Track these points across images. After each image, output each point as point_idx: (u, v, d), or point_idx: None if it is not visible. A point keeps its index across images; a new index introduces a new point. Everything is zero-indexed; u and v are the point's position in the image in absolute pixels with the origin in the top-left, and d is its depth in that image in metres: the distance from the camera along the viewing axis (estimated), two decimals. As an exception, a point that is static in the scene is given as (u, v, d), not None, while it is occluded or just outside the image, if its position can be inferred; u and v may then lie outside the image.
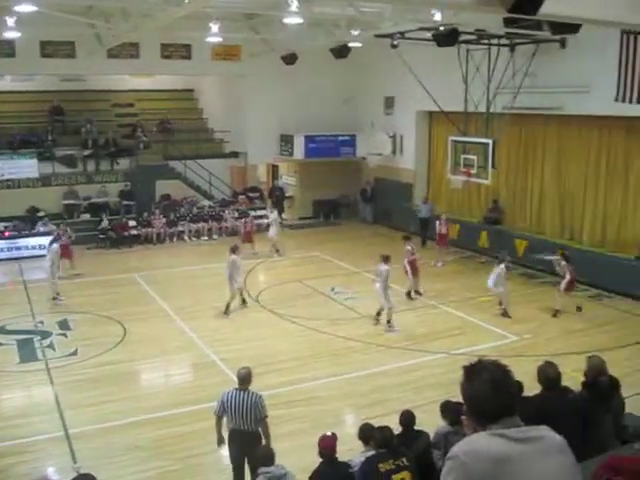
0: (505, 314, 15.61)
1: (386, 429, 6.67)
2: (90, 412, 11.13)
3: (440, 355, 13.34)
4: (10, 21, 17.20)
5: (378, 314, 15.16)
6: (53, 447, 10.06)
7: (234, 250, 16.21)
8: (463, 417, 2.87)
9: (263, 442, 8.07)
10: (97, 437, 10.29)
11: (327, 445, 6.72)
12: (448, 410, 7.16)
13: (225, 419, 8.25)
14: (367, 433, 6.96)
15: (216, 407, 8.27)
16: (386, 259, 14.91)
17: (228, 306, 16.02)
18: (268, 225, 22.66)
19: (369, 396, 11.60)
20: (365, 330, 14.91)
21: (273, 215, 22.50)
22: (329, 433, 6.88)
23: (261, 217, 25.29)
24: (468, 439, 2.74)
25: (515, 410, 2.76)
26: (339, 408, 11.47)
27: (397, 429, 7.14)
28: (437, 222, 20.79)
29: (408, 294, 17.20)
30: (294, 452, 8.63)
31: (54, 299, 17.08)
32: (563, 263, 15.93)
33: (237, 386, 8.28)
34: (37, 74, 26.08)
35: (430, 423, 7.53)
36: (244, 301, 16.73)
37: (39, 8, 15.20)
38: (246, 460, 8.13)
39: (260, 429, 8.16)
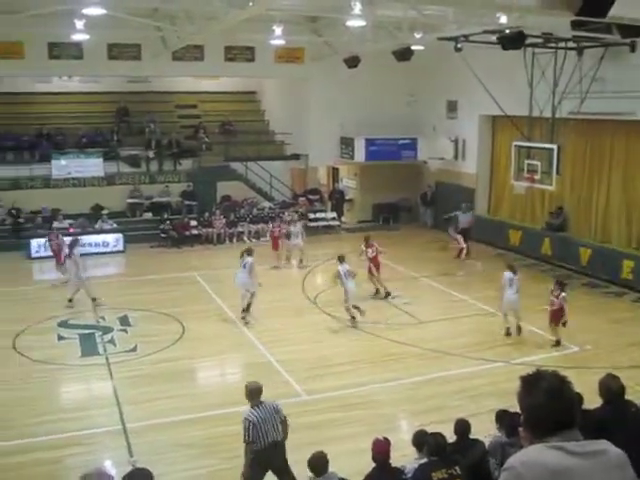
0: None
1: (439, 436, 6.55)
2: (147, 407, 11.30)
3: (498, 364, 13.09)
4: (79, 24, 17.67)
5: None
6: (110, 440, 10.24)
7: (250, 252, 16.23)
8: (520, 428, 2.78)
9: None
10: (153, 432, 10.43)
11: (380, 450, 6.64)
12: (504, 420, 7.01)
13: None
14: (421, 439, 6.86)
15: (248, 433, 7.82)
16: (341, 259, 15.70)
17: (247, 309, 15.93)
18: (288, 234, 21.46)
19: (425, 402, 11.47)
20: (422, 335, 14.75)
21: (298, 227, 21.62)
22: (382, 438, 6.80)
23: (318, 220, 25.34)
24: (525, 450, 2.65)
25: (575, 423, 2.67)
26: (394, 413, 11.37)
27: (452, 437, 7.02)
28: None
29: (382, 293, 17.56)
30: (348, 455, 8.58)
31: (94, 300, 16.80)
32: (563, 294, 13.84)
33: (251, 404, 8.02)
34: (104, 76, 26.69)
35: (486, 432, 7.39)
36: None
37: (107, 11, 15.57)
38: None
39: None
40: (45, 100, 27.52)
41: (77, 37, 20.20)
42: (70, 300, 16.72)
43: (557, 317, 13.86)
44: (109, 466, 9.17)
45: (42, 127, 25.72)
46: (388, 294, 17.48)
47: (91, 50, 22.53)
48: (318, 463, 6.73)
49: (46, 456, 9.57)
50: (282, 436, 8.02)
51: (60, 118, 26.98)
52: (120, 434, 10.34)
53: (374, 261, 17.50)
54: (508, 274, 14.45)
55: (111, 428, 10.53)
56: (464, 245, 21.71)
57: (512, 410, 6.58)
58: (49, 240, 20.32)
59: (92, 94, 28.24)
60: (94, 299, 16.84)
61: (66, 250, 17.79)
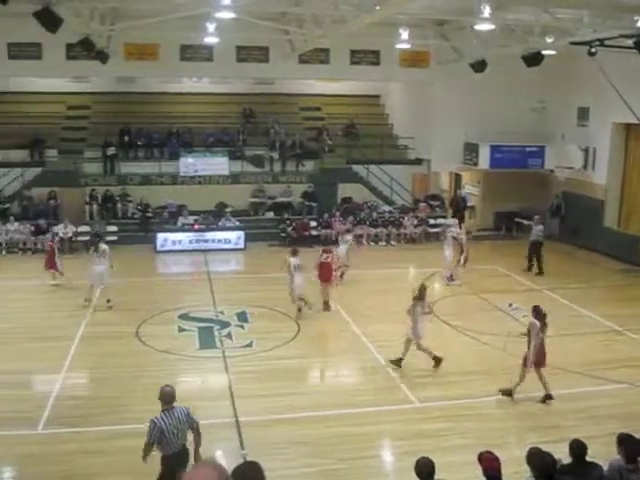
0: None
1: (547, 456, 6.27)
2: (260, 403, 11.50)
3: (622, 385, 12.42)
4: (210, 27, 18.27)
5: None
6: (223, 432, 10.48)
7: (294, 253, 16.54)
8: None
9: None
10: (264, 428, 10.60)
11: (491, 465, 6.44)
12: (626, 445, 6.64)
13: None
14: (534, 458, 6.60)
15: (151, 434, 7.69)
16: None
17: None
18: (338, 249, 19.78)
19: (539, 420, 11.05)
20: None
21: (347, 239, 19.98)
22: (489, 452, 6.59)
23: (437, 226, 25.07)
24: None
25: None
26: (506, 428, 11.01)
27: (567, 458, 6.72)
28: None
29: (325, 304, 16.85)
30: (457, 467, 8.41)
31: (108, 301, 16.70)
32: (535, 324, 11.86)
33: (162, 408, 7.83)
34: (232, 78, 27.47)
35: (604, 456, 7.02)
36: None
37: (237, 15, 16.01)
38: None
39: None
40: (175, 100, 28.67)
41: (208, 40, 20.90)
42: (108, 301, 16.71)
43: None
44: (221, 456, 9.39)
45: (172, 126, 26.78)
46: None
47: (221, 52, 23.29)
48: (424, 469, 6.62)
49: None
50: (186, 442, 7.85)
51: (189, 118, 28.03)
52: (232, 427, 10.57)
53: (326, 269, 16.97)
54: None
55: (224, 420, 10.78)
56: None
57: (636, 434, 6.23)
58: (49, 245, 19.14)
59: (220, 95, 29.19)
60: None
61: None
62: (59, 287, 18.25)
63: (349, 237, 20.15)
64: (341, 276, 19.19)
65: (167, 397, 7.90)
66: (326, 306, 16.86)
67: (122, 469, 9.12)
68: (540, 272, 20.76)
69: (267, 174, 26.50)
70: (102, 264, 16.76)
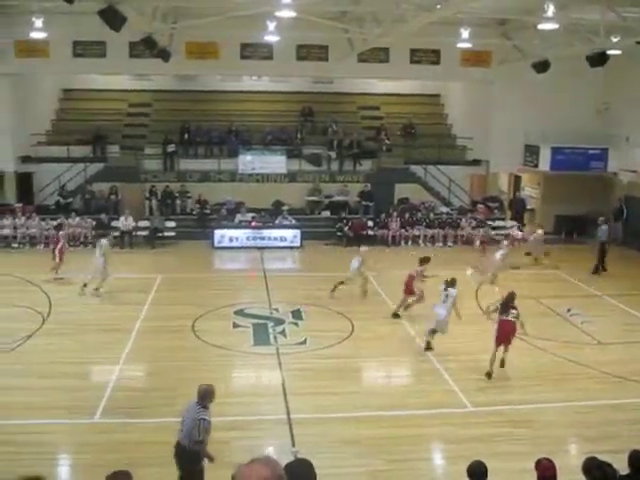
0: None
1: (607, 467, 6.11)
2: (312, 401, 11.53)
3: (684, 395, 12.06)
4: (271, 26, 18.39)
5: None
6: (275, 428, 10.57)
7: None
8: None
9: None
10: (316, 425, 10.63)
11: (547, 473, 6.33)
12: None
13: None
14: (591, 469, 6.44)
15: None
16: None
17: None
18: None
19: (596, 428, 10.77)
20: (600, 357, 13.89)
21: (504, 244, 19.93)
22: (546, 459, 6.47)
23: (498, 228, 24.76)
24: None
25: None
26: (562, 436, 10.78)
27: (625, 469, 6.54)
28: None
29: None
30: (510, 474, 8.30)
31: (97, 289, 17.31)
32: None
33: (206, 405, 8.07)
34: (291, 76, 27.62)
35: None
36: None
37: (298, 14, 16.07)
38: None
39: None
40: (234, 98, 29.00)
41: (268, 38, 21.05)
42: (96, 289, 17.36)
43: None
44: (272, 453, 9.44)
45: (231, 124, 27.06)
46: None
47: (280, 51, 23.45)
48: (477, 471, 6.57)
49: (213, 436, 10.00)
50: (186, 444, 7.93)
51: (247, 116, 28.32)
52: (284, 424, 10.63)
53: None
54: None
55: (276, 417, 10.85)
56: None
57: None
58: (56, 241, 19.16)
59: (278, 93, 29.38)
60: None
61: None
62: (120, 280, 18.50)
63: (506, 243, 20.14)
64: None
65: (198, 393, 8.12)
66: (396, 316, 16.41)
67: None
68: (603, 269, 20.85)
69: (324, 173, 26.56)
70: (101, 257, 17.46)
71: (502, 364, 12.88)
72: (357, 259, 17.78)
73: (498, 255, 19.23)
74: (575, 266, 21.41)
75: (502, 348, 12.78)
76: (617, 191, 25.53)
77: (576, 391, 12.22)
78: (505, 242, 20.14)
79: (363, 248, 18.42)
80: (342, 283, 17.69)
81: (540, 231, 22.04)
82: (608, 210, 25.56)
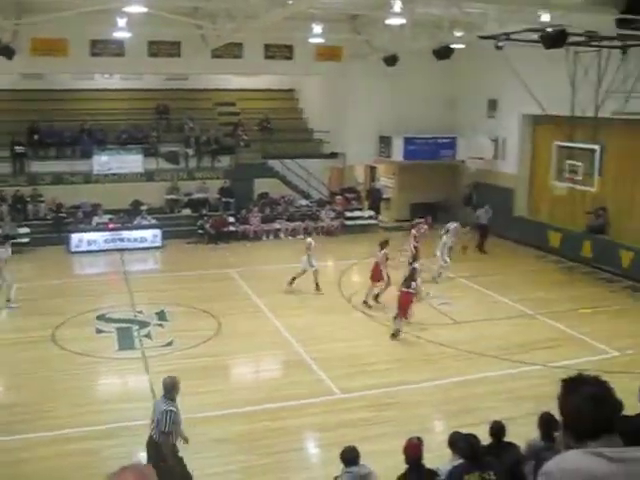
0: None
1: (472, 438, 6.46)
2: (182, 402, 11.25)
3: (536, 367, 12.91)
4: (121, 22, 17.88)
5: None
6: (146, 433, 10.29)
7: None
8: (557, 433, 2.72)
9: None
10: (187, 427, 10.43)
11: (413, 451, 6.59)
12: (543, 423, 6.88)
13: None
14: (456, 441, 6.78)
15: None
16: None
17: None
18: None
19: (460, 404, 11.35)
20: (459, 337, 14.61)
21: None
22: (415, 438, 6.74)
23: (355, 218, 25.42)
24: (563, 455, 2.59)
25: (614, 429, 2.60)
26: (428, 414, 11.28)
27: (487, 439, 6.93)
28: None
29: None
30: (381, 455, 8.51)
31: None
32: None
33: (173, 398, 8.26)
34: (144, 73, 26.97)
35: (522, 436, 7.27)
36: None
37: (148, 9, 15.72)
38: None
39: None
40: (86, 97, 27.87)
41: (119, 35, 20.44)
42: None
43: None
44: (144, 459, 9.23)
45: (83, 123, 26.03)
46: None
47: (132, 48, 22.78)
48: (349, 455, 6.77)
49: (82, 447, 9.70)
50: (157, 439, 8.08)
51: (101, 115, 27.33)
52: (155, 428, 10.40)
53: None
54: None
55: (146, 421, 10.58)
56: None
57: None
58: None
59: (133, 91, 28.56)
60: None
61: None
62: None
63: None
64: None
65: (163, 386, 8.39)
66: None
67: (50, 476, 8.88)
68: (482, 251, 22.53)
69: (182, 171, 26.12)
70: None
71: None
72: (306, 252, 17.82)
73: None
74: (431, 250, 22.31)
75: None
76: (466, 178, 26.85)
77: (438, 370, 12.79)
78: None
79: (308, 239, 18.61)
80: (294, 279, 17.67)
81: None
82: (458, 197, 26.89)
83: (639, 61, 17.48)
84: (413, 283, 14.58)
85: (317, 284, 17.62)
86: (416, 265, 15.41)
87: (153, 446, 8.06)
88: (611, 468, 2.47)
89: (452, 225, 19.79)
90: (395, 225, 26.20)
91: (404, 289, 14.48)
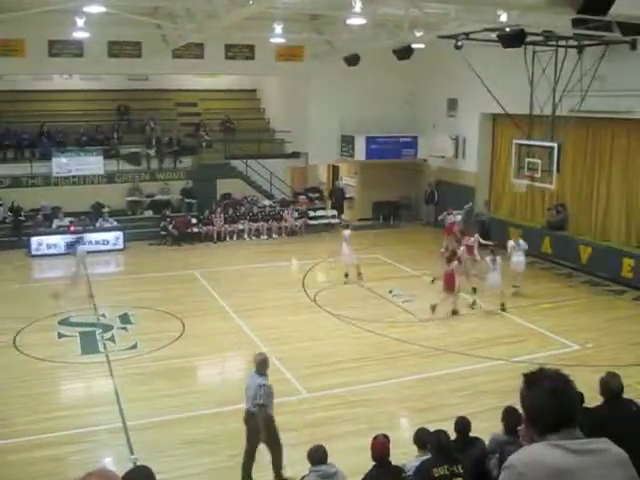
0: None
1: (442, 433, 6.55)
2: (148, 405, 11.30)
3: (499, 362, 13.10)
4: (80, 22, 17.66)
5: None
6: (111, 438, 10.25)
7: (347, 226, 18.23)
8: (520, 427, 2.78)
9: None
10: (154, 430, 10.44)
11: (379, 448, 6.64)
12: (507, 417, 6.99)
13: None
14: (422, 437, 6.86)
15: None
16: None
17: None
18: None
19: (425, 400, 11.47)
20: (423, 334, 14.77)
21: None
22: (381, 435, 6.80)
23: (318, 218, 25.52)
24: (526, 449, 2.65)
25: (576, 421, 2.67)
26: (395, 411, 11.37)
27: (453, 435, 7.02)
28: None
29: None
30: (348, 453, 8.59)
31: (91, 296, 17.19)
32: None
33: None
34: (104, 74, 26.65)
35: (487, 430, 7.38)
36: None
37: (108, 9, 15.57)
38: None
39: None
40: (45, 98, 27.46)
41: (77, 35, 20.19)
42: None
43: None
44: (110, 464, 9.18)
45: (42, 125, 25.68)
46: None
47: (91, 48, 22.53)
48: (316, 454, 6.80)
49: (47, 453, 9.58)
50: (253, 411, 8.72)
51: (60, 116, 26.96)
52: (121, 432, 10.34)
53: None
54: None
55: (112, 426, 10.54)
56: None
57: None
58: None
59: (92, 92, 28.21)
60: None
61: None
62: None
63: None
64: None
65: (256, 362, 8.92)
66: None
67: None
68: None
69: (144, 172, 25.91)
70: None
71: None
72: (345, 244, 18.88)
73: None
74: (394, 248, 22.53)
75: None
76: (428, 176, 27.09)
77: (404, 367, 12.90)
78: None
79: (346, 231, 19.44)
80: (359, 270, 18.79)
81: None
82: (420, 195, 27.15)
83: (594, 60, 17.82)
84: (454, 263, 15.90)
85: (358, 274, 18.87)
86: (458, 250, 16.96)
87: (250, 418, 8.69)
88: (572, 460, 2.53)
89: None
90: (358, 224, 26.26)
91: (448, 270, 15.85)
